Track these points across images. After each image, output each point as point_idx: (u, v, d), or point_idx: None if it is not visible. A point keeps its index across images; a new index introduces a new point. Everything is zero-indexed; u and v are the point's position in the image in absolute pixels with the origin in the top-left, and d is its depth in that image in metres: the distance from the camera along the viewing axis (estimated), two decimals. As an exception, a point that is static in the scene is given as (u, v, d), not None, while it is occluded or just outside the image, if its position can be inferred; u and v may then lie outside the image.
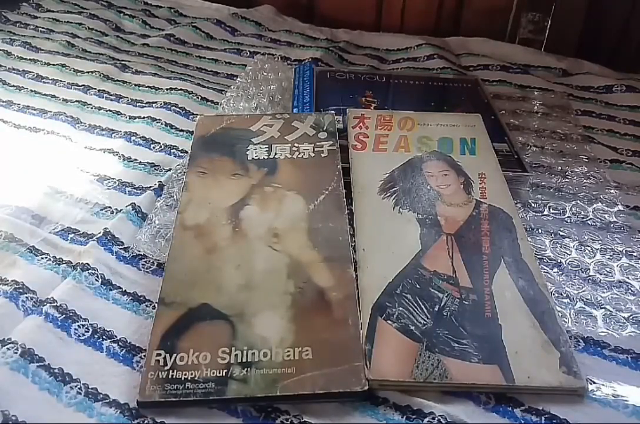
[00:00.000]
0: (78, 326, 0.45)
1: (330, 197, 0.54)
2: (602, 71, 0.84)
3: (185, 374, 0.40)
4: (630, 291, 0.50)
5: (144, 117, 0.72)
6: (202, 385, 0.39)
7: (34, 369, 0.41)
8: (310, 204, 0.54)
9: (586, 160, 0.66)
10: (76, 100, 0.76)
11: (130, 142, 0.68)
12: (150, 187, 0.60)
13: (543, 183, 0.62)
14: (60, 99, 0.76)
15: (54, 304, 0.45)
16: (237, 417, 0.39)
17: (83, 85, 0.79)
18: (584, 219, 0.57)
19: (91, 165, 0.64)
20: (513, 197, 0.56)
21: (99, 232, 0.53)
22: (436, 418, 0.39)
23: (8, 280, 0.48)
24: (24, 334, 0.43)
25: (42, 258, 0.51)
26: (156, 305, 0.45)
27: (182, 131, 0.70)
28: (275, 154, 0.59)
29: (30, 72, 0.83)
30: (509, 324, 0.44)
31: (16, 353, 0.42)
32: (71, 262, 0.50)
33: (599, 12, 0.85)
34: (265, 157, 0.59)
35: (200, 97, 0.76)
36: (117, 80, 0.81)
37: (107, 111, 0.74)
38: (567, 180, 0.63)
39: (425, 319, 0.44)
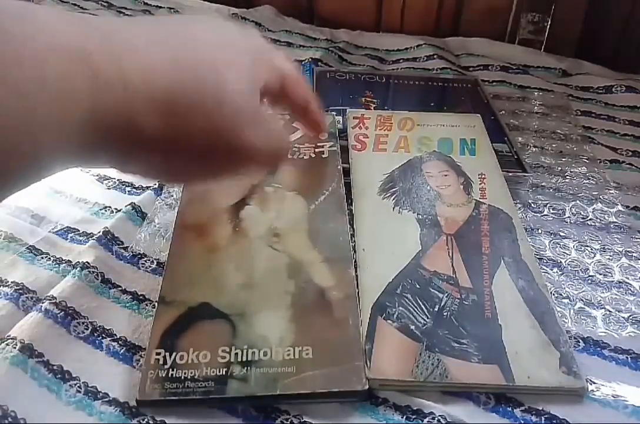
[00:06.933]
0: (77, 323, 0.45)
1: (331, 197, 0.54)
2: (602, 72, 0.84)
3: (185, 373, 0.40)
4: (630, 291, 0.50)
5: (144, 117, 0.72)
6: (202, 384, 0.39)
7: (33, 365, 0.41)
8: (311, 205, 0.54)
9: (586, 160, 0.66)
10: (76, 100, 0.76)
11: (131, 141, 0.67)
12: (150, 186, 0.59)
13: (543, 183, 0.62)
14: (60, 99, 0.76)
15: (53, 300, 0.45)
16: (237, 416, 0.39)
17: (83, 85, 0.79)
18: (584, 220, 0.57)
19: (91, 165, 0.64)
20: (513, 198, 0.56)
21: (99, 232, 0.52)
22: (436, 418, 0.39)
23: (8, 281, 0.48)
24: (23, 330, 0.43)
25: (42, 258, 0.51)
26: (156, 304, 0.45)
27: (182, 130, 0.70)
28: (276, 154, 0.59)
29: (30, 71, 0.83)
30: (509, 324, 0.44)
31: (15, 347, 0.41)
32: (71, 262, 0.50)
33: (599, 12, 0.85)
34: (266, 157, 0.59)
35: (200, 97, 0.76)
36: (117, 80, 0.81)
37: (107, 110, 0.74)
38: (566, 180, 0.63)
39: (426, 319, 0.44)
